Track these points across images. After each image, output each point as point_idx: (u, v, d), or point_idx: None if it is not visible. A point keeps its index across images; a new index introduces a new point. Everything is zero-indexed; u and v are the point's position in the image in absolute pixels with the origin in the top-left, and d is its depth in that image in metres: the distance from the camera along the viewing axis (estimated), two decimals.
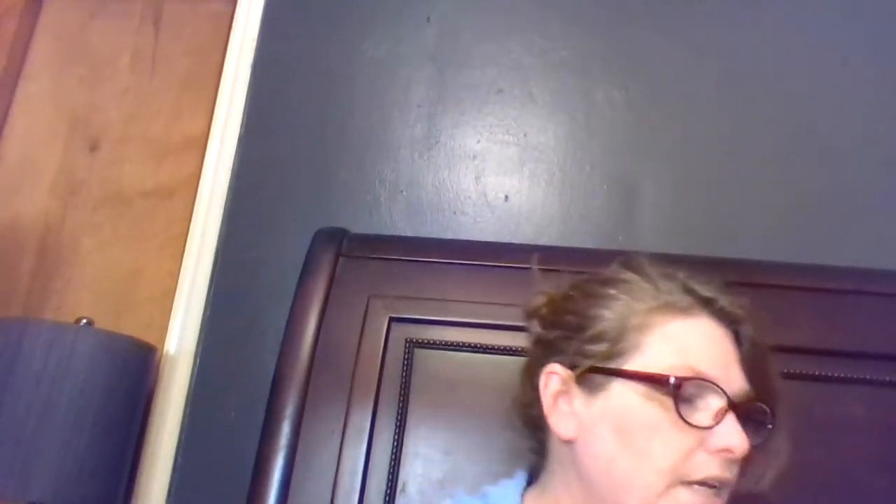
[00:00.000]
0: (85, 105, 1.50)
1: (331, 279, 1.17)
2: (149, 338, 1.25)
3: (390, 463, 1.06)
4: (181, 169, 1.44)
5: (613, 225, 1.31)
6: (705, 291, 0.77)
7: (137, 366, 1.19)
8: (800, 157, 1.31)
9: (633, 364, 0.74)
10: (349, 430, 1.07)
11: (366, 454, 1.06)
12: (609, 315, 0.76)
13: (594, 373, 0.75)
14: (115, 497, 1.16)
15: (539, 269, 0.87)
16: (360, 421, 1.08)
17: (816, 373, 1.05)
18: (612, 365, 0.74)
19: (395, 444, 1.07)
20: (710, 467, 0.70)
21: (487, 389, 1.06)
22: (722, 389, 0.71)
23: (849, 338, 1.06)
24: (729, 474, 0.71)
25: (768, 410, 0.75)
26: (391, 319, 1.13)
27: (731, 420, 0.70)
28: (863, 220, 1.26)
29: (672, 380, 0.70)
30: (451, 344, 1.12)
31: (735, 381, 0.73)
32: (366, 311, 1.14)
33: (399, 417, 1.08)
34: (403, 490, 1.05)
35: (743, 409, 0.72)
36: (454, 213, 1.35)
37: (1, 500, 1.10)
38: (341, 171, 1.39)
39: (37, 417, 1.05)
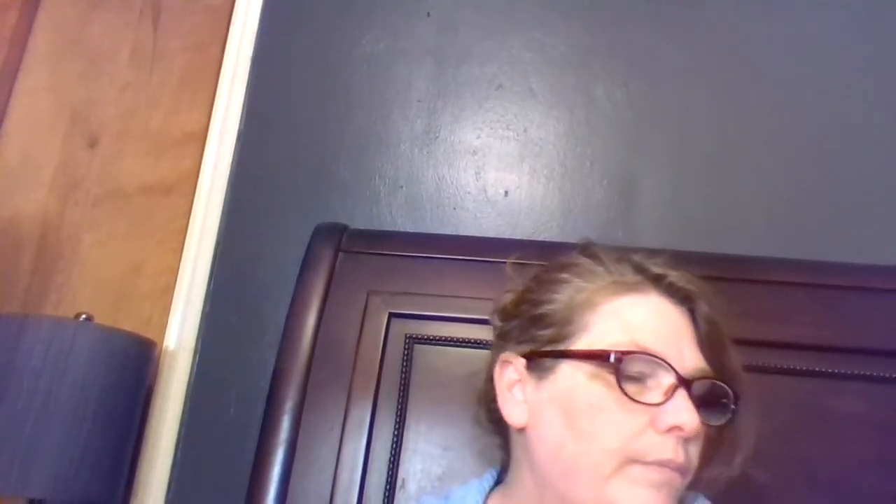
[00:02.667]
0: (84, 100, 1.50)
1: (330, 274, 1.17)
2: (148, 333, 1.25)
3: (390, 458, 1.06)
4: (180, 164, 1.43)
5: (613, 220, 1.31)
6: (656, 268, 0.76)
7: (137, 361, 1.19)
8: (799, 153, 1.31)
9: (579, 344, 0.72)
10: (349, 426, 1.07)
11: (365, 449, 1.06)
12: (558, 298, 0.75)
13: (541, 357, 0.74)
14: (114, 492, 1.16)
15: (512, 263, 0.87)
16: (360, 416, 1.08)
17: (815, 369, 1.05)
18: (560, 347, 0.73)
19: (395, 439, 1.07)
20: (663, 449, 0.67)
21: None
22: (670, 365, 0.68)
23: (848, 334, 1.06)
24: (683, 457, 0.67)
25: (729, 390, 0.72)
26: (391, 315, 1.13)
27: (680, 396, 0.67)
28: (862, 216, 1.26)
29: (613, 355, 0.68)
30: (451, 340, 1.12)
31: (688, 358, 0.71)
32: (365, 306, 1.14)
33: (399, 413, 1.09)
34: (403, 486, 1.06)
35: (698, 388, 0.70)
36: (454, 208, 1.35)
37: (1, 496, 1.10)
38: (341, 167, 1.38)
39: (36, 413, 1.05)
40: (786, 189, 1.29)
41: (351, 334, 1.12)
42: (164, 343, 1.31)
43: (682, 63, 1.38)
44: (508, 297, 0.84)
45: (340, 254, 1.19)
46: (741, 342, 1.05)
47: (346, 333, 1.13)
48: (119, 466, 1.16)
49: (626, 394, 0.68)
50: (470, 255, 1.17)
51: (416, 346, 1.12)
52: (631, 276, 0.75)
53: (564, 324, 0.74)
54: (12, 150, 1.48)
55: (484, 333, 1.11)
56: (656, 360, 0.69)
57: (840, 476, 1.01)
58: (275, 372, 1.12)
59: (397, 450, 1.07)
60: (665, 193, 1.31)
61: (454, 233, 1.31)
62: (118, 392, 1.14)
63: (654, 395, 0.69)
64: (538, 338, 0.75)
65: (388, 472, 1.06)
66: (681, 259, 0.80)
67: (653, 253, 0.79)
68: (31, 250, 1.40)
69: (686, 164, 1.33)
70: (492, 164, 1.37)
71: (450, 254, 1.18)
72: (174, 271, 1.36)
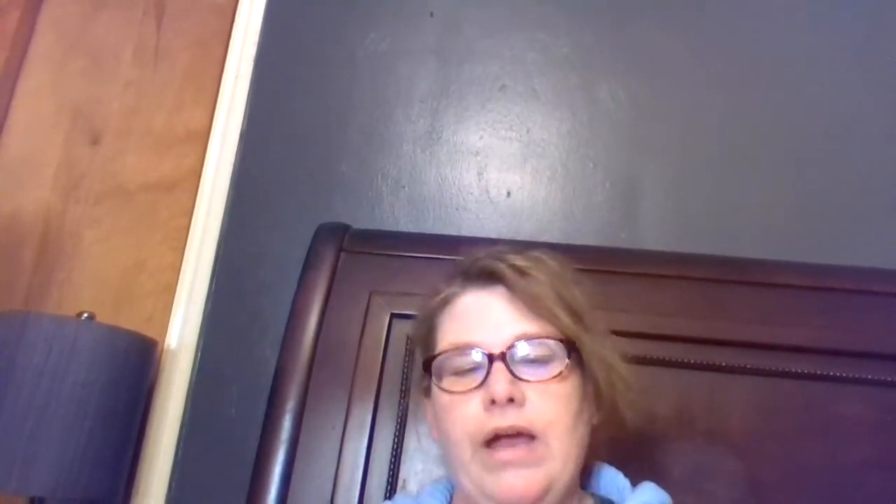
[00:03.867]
0: (87, 98, 1.50)
1: (332, 274, 1.17)
2: (150, 332, 1.25)
3: (391, 458, 1.06)
4: (183, 162, 1.43)
5: (616, 222, 1.30)
6: (466, 263, 0.82)
7: (138, 360, 1.19)
8: (802, 156, 1.31)
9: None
10: (350, 426, 1.07)
11: (367, 449, 1.06)
12: (422, 330, 0.84)
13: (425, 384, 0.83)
14: (116, 491, 1.16)
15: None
16: (362, 416, 1.08)
17: (817, 372, 1.05)
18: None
19: (396, 439, 1.07)
20: (492, 420, 0.71)
21: None
22: (477, 347, 0.74)
23: (850, 337, 1.06)
24: (515, 421, 0.72)
25: (553, 343, 0.75)
26: (392, 315, 1.13)
27: (491, 371, 0.72)
28: (864, 219, 1.26)
29: (423, 364, 0.79)
30: None
31: (503, 331, 0.75)
32: (367, 306, 1.14)
33: (400, 413, 1.09)
34: (404, 486, 1.06)
35: (521, 352, 0.74)
36: (456, 209, 1.35)
37: (2, 494, 1.10)
38: (343, 166, 1.38)
39: (38, 411, 1.05)
40: (789, 191, 1.29)
41: (353, 334, 1.12)
42: (166, 341, 1.31)
43: (685, 64, 1.38)
44: None
45: (342, 253, 1.19)
46: (743, 345, 1.06)
47: (347, 333, 1.13)
48: (120, 464, 1.16)
49: (444, 389, 0.76)
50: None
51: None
52: (450, 287, 0.82)
53: (426, 351, 0.83)
54: (15, 147, 1.48)
55: None
56: (460, 349, 0.76)
57: (843, 479, 1.00)
58: (276, 371, 1.12)
59: (398, 450, 1.07)
60: (668, 195, 1.31)
61: (456, 233, 1.31)
62: (119, 390, 1.14)
63: (477, 379, 0.74)
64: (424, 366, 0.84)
65: (389, 472, 1.06)
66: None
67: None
68: (33, 248, 1.40)
69: (689, 166, 1.32)
70: (494, 164, 1.37)
71: (452, 254, 1.17)
72: (176, 270, 1.36)
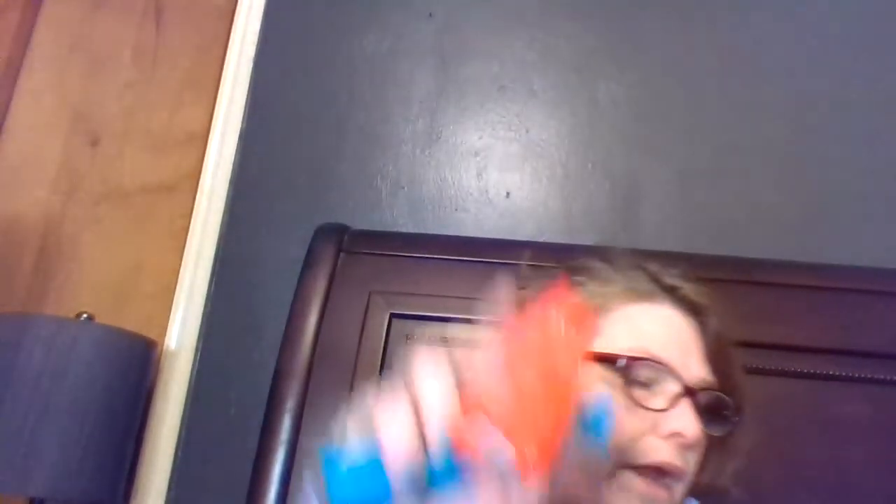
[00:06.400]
0: (86, 99, 1.50)
1: (332, 275, 1.17)
2: (149, 333, 1.25)
3: None
4: (182, 164, 1.43)
5: (615, 222, 1.30)
6: (669, 280, 0.77)
7: (138, 361, 1.19)
8: (802, 155, 1.31)
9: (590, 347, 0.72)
10: None
11: None
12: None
13: None
14: (115, 492, 1.16)
15: (529, 265, 0.86)
16: None
17: (818, 371, 1.05)
18: None
19: None
20: (662, 452, 0.68)
21: None
22: (677, 373, 0.70)
23: (851, 337, 1.06)
24: (681, 462, 0.68)
25: (731, 402, 0.73)
26: (392, 315, 1.13)
27: (684, 405, 0.69)
28: (866, 219, 1.26)
29: (622, 360, 0.69)
30: (452, 340, 1.12)
31: (694, 369, 0.72)
32: (366, 307, 1.14)
33: None
34: None
35: (702, 399, 0.71)
36: (455, 209, 1.35)
37: (2, 495, 1.10)
38: (342, 167, 1.38)
39: (37, 412, 1.05)
40: (790, 191, 1.29)
41: (352, 335, 1.12)
42: (165, 343, 1.31)
43: (684, 64, 1.38)
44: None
45: (342, 254, 1.19)
46: (744, 344, 1.05)
47: (347, 334, 1.13)
48: (120, 466, 1.16)
49: (632, 398, 0.69)
50: (471, 256, 1.17)
51: (418, 347, 1.12)
52: (645, 285, 0.76)
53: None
54: (14, 149, 1.48)
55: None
56: (664, 367, 0.70)
57: (844, 479, 1.00)
58: (276, 372, 1.12)
59: None
60: (667, 195, 1.31)
61: (456, 234, 1.31)
62: (119, 391, 1.14)
63: (659, 402, 0.69)
64: None
65: None
66: (682, 261, 0.80)
67: (670, 262, 0.80)
68: (32, 249, 1.40)
69: (688, 166, 1.32)
70: (493, 164, 1.37)
71: (451, 255, 1.18)
72: (175, 271, 1.36)
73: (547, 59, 1.41)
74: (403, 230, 1.33)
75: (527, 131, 1.38)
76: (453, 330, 1.12)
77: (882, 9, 1.38)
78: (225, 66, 1.47)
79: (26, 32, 1.55)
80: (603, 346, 0.71)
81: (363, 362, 1.11)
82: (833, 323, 1.07)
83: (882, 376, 1.04)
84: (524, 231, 1.31)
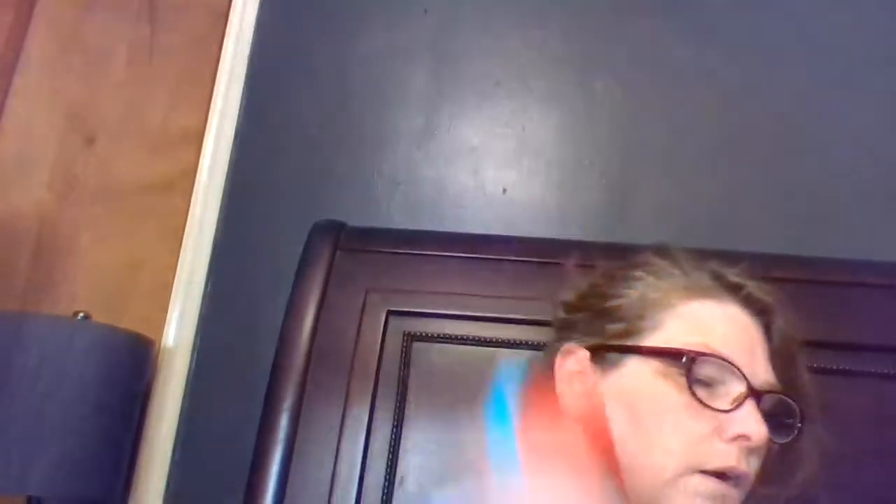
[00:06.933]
0: (81, 98, 1.49)
1: (328, 272, 1.17)
2: (146, 331, 1.25)
3: (388, 456, 1.06)
4: (178, 162, 1.43)
5: (611, 218, 1.31)
6: (734, 277, 0.75)
7: (135, 359, 1.19)
8: (798, 150, 1.31)
9: (649, 342, 0.70)
10: (347, 424, 1.07)
11: (364, 447, 1.06)
12: (631, 294, 0.74)
13: (609, 350, 0.72)
14: (113, 490, 1.16)
15: (576, 265, 0.84)
16: (359, 414, 1.08)
17: (815, 365, 1.03)
18: (629, 342, 0.71)
19: (394, 437, 1.07)
20: (727, 457, 0.65)
21: (486, 382, 1.05)
22: (742, 373, 0.67)
23: (848, 330, 1.06)
24: (746, 466, 0.66)
25: (796, 408, 0.71)
26: (389, 312, 1.13)
27: (750, 406, 0.66)
28: (861, 212, 1.26)
29: (686, 355, 0.67)
30: (450, 337, 1.12)
31: (759, 370, 0.69)
32: (363, 304, 1.14)
33: (397, 411, 1.08)
34: (402, 483, 1.05)
35: (766, 402, 0.69)
36: (452, 205, 1.35)
37: (0, 494, 1.10)
38: (339, 164, 1.38)
39: (34, 411, 1.05)
40: (784, 185, 1.29)
41: (349, 332, 1.12)
42: (162, 341, 1.31)
43: (680, 61, 1.38)
44: (573, 291, 0.82)
45: (338, 251, 1.19)
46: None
47: (344, 331, 1.12)
48: (117, 464, 1.16)
49: (695, 396, 0.66)
50: (468, 253, 1.17)
51: (415, 344, 1.12)
52: (708, 282, 0.74)
53: (636, 319, 0.72)
54: (9, 147, 1.48)
55: (483, 331, 1.11)
56: (729, 366, 0.68)
57: (842, 471, 1.00)
58: (273, 370, 1.12)
59: (396, 447, 1.07)
60: (663, 191, 1.31)
61: (452, 230, 1.31)
62: (116, 390, 1.14)
63: (723, 403, 0.67)
64: (606, 331, 0.74)
65: (386, 470, 1.05)
66: (744, 259, 0.78)
67: (731, 261, 0.78)
68: (28, 248, 1.40)
69: (684, 162, 1.33)
70: (490, 161, 1.37)
71: (448, 251, 1.18)
72: (172, 269, 1.36)
73: (543, 56, 1.41)
74: (400, 227, 1.33)
75: (523, 128, 1.38)
76: (451, 326, 1.12)
77: (878, 6, 1.39)
78: (220, 64, 1.47)
79: (20, 31, 1.54)
80: (664, 340, 0.70)
81: (360, 359, 1.10)
82: (830, 316, 1.04)
83: (880, 370, 1.04)
84: (521, 227, 1.31)
